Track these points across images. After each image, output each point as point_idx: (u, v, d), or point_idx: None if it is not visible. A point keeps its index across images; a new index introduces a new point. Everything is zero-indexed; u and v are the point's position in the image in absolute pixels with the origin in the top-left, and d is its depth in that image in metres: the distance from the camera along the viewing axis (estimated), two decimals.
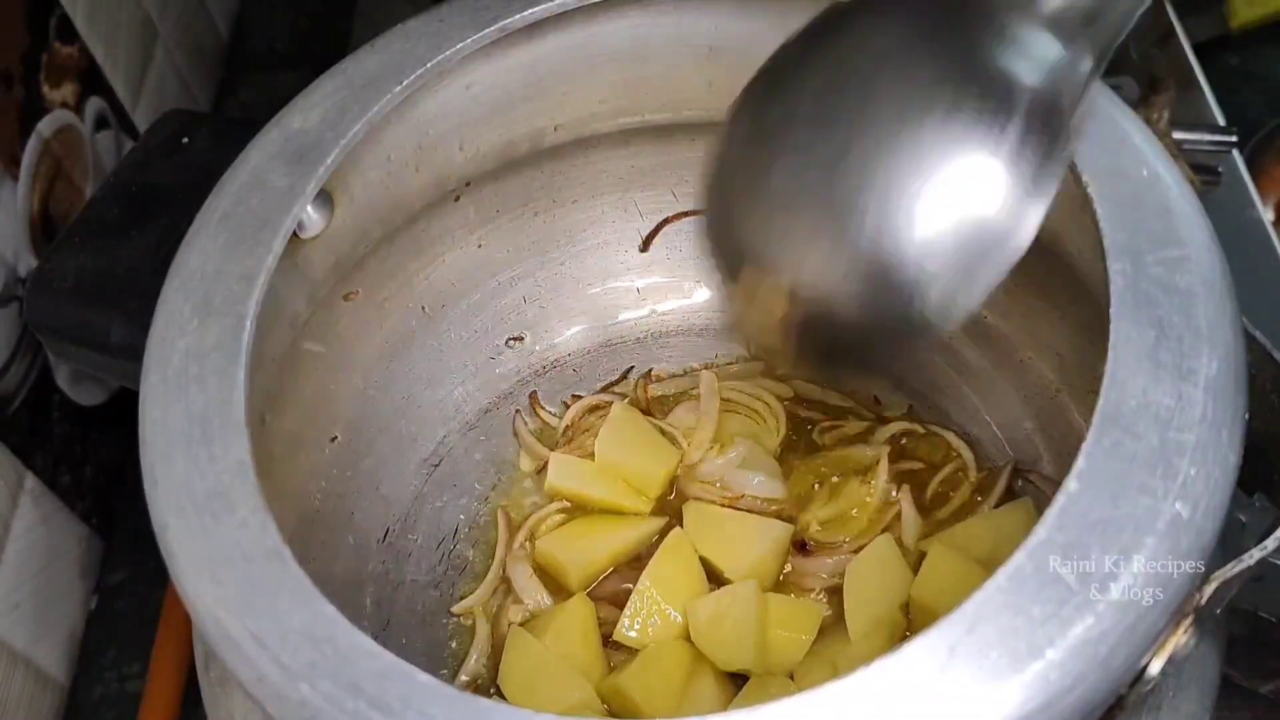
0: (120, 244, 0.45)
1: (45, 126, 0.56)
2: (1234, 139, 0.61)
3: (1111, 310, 0.34)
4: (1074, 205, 0.39)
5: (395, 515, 0.54)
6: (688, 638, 0.50)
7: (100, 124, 0.62)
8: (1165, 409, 0.32)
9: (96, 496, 0.60)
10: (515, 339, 0.58)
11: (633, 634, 0.49)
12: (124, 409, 0.63)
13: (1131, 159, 0.37)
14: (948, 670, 0.29)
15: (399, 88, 0.42)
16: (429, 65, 0.43)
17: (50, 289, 0.45)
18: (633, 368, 0.59)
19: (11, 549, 0.53)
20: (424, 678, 0.30)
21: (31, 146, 0.54)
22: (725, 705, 0.48)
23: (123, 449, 0.63)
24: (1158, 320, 0.34)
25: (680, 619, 0.50)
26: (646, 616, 0.49)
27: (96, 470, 0.61)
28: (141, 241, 0.45)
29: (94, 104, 0.61)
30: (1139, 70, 0.60)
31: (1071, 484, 0.31)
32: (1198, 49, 0.67)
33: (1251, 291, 0.54)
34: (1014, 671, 0.28)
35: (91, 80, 0.61)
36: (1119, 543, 0.30)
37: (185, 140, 0.48)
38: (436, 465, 0.55)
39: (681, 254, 0.59)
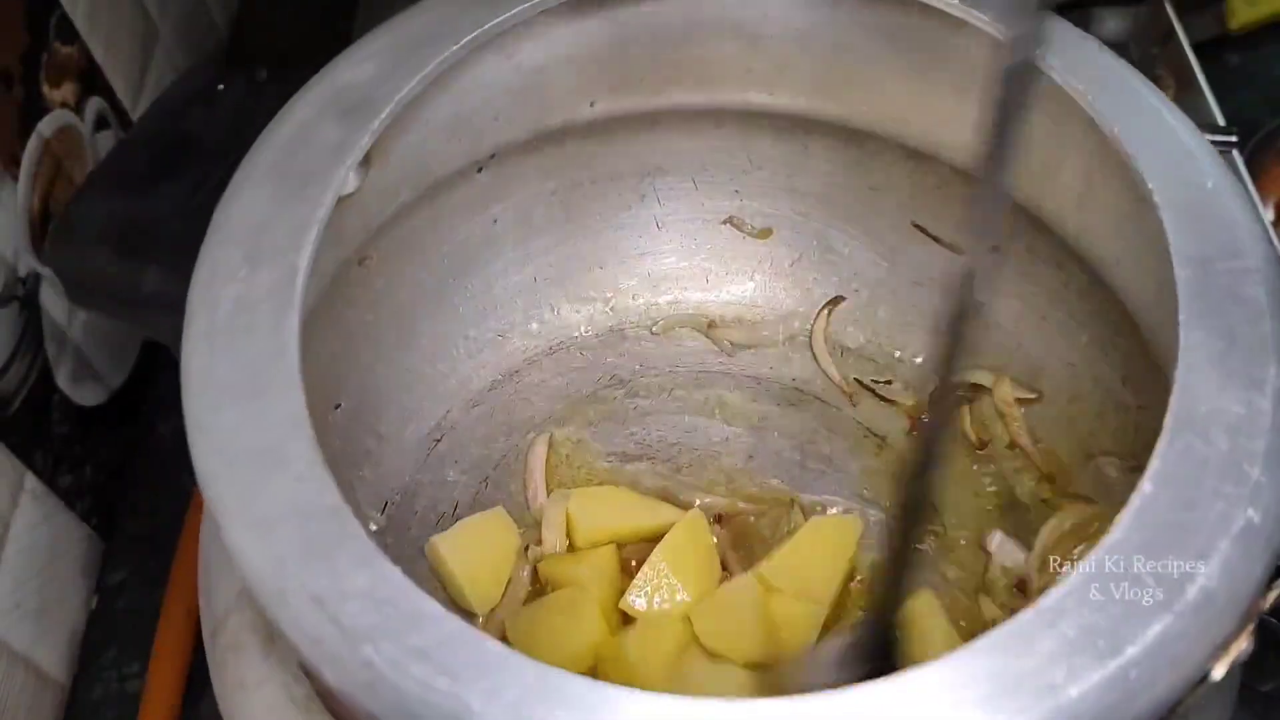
0: (149, 192, 0.43)
1: (45, 126, 0.55)
2: (1234, 139, 0.62)
3: (1180, 316, 0.34)
4: (1129, 212, 0.39)
5: (395, 488, 0.53)
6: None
7: (100, 124, 0.61)
8: (1235, 416, 0.32)
9: (96, 496, 0.59)
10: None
11: (639, 603, 0.49)
12: (124, 409, 0.62)
13: (1195, 170, 0.38)
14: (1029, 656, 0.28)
15: (456, 46, 0.41)
16: (486, 27, 0.42)
17: (75, 236, 0.43)
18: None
19: (11, 549, 0.52)
20: (495, 645, 0.29)
21: (31, 146, 0.53)
22: (715, 689, 0.48)
23: (123, 449, 0.62)
24: (1228, 329, 0.34)
25: (686, 596, 0.49)
26: (654, 589, 0.49)
27: (96, 470, 0.60)
28: (172, 190, 0.43)
29: (94, 104, 0.60)
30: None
31: (1146, 485, 0.31)
32: (1198, 49, 0.68)
33: None
34: (1097, 667, 0.28)
35: (91, 80, 0.60)
36: (1195, 546, 0.30)
37: (221, 87, 0.46)
38: (439, 440, 0.54)
39: (696, 243, 0.58)
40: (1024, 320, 0.53)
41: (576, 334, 0.58)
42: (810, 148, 0.55)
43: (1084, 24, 0.62)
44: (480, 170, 0.52)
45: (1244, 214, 0.37)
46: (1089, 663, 0.28)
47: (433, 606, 0.30)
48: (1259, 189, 0.63)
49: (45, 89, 0.55)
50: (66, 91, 0.56)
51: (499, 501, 0.53)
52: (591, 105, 0.50)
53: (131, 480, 0.61)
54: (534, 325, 0.57)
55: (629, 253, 0.58)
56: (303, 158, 0.39)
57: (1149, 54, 0.63)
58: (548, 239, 0.56)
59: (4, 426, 0.51)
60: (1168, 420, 0.32)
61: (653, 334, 0.58)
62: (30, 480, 0.53)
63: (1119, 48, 0.63)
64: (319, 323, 0.46)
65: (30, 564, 0.53)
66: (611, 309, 0.58)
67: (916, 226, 0.54)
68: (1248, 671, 0.47)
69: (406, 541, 0.52)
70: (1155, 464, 0.31)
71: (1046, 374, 0.52)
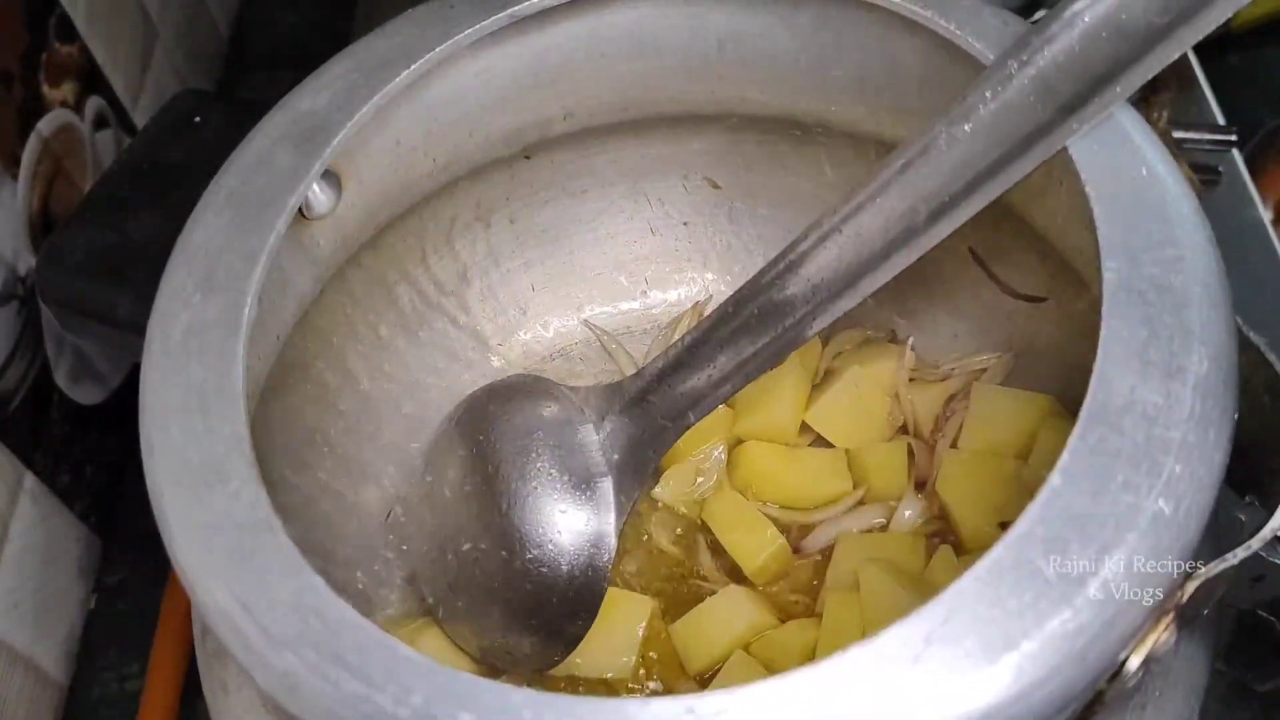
0: (131, 220, 0.46)
1: (45, 126, 0.56)
2: (1234, 139, 0.61)
3: (1103, 308, 0.34)
4: (1076, 203, 0.39)
5: (398, 498, 0.54)
6: None
7: (100, 123, 0.62)
8: (1153, 406, 0.32)
9: (96, 496, 0.61)
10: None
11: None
12: (124, 409, 0.63)
13: (1131, 158, 0.37)
14: (922, 659, 0.29)
15: (407, 71, 0.43)
16: (438, 50, 0.43)
17: (61, 262, 0.45)
18: None
19: (11, 549, 0.53)
20: (406, 651, 0.30)
21: (31, 146, 0.54)
22: None
23: (123, 449, 0.63)
24: (1149, 319, 0.33)
25: None
26: None
27: (96, 470, 0.61)
28: (151, 218, 0.45)
29: (94, 103, 0.61)
30: None
31: (1055, 478, 0.31)
32: (1198, 49, 0.66)
33: (1251, 292, 0.54)
34: (989, 662, 0.29)
35: (91, 80, 0.61)
36: (1099, 538, 0.30)
37: (198, 120, 0.48)
38: None
39: (691, 246, 0.59)
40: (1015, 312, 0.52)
41: (575, 340, 0.59)
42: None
43: None
44: (466, 184, 0.53)
45: (1179, 201, 0.36)
46: (982, 657, 0.29)
47: (352, 615, 0.31)
48: (1259, 189, 0.62)
49: (45, 89, 0.56)
50: (66, 91, 0.57)
51: None
52: (565, 119, 0.51)
53: (131, 480, 0.62)
54: (531, 333, 0.58)
55: (625, 258, 0.59)
56: (259, 185, 0.40)
57: None
58: (543, 248, 0.57)
59: (3, 426, 0.52)
60: (1082, 413, 0.32)
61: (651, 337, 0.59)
62: (29, 480, 0.54)
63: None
64: (310, 340, 0.49)
65: (29, 564, 0.54)
66: (609, 314, 0.59)
67: None
68: (1248, 672, 0.46)
69: (406, 549, 0.53)
70: (1065, 457, 0.31)
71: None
